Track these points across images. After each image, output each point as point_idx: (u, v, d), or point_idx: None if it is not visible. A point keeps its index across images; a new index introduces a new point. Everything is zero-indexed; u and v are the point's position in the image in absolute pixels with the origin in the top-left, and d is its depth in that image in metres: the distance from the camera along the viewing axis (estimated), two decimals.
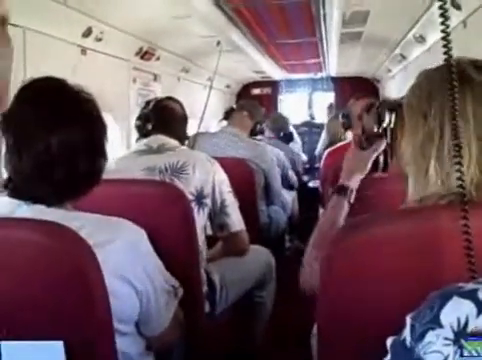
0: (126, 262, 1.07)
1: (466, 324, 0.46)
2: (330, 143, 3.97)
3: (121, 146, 3.17)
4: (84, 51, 2.53)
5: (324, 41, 4.12)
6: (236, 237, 1.93)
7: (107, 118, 2.93)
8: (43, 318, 0.92)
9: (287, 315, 2.55)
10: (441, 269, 0.81)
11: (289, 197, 3.65)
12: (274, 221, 3.07)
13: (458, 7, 2.16)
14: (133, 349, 1.16)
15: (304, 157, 5.10)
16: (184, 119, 2.07)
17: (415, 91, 0.96)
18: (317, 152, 4.86)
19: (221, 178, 1.86)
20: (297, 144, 4.95)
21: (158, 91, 3.65)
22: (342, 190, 1.22)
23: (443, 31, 0.72)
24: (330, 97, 6.73)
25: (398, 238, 0.85)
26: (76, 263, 0.93)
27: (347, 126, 2.75)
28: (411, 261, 0.84)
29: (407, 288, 0.79)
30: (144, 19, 2.80)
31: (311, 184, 4.58)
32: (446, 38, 0.72)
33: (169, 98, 2.11)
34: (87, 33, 2.44)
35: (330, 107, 6.06)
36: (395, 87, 4.94)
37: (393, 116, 1.01)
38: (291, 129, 4.94)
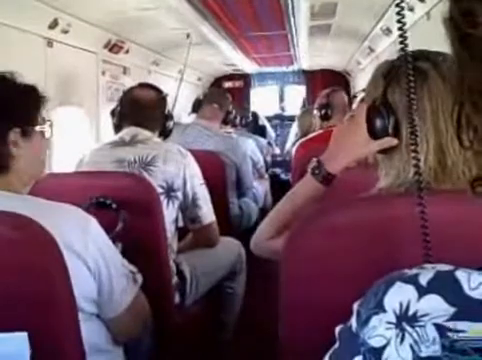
0: (74, 235, 1.07)
1: (408, 308, 0.47)
2: (302, 136, 3.98)
3: (91, 139, 3.13)
4: (50, 43, 2.48)
5: (294, 34, 4.13)
6: (207, 229, 1.93)
7: (77, 111, 2.93)
8: (6, 309, 0.92)
9: (257, 306, 2.57)
10: (399, 256, 0.83)
11: (261, 189, 3.67)
12: (245, 213, 3.08)
13: None
14: (100, 337, 1.17)
15: (277, 150, 5.13)
16: (153, 106, 1.95)
17: (371, 86, 0.98)
18: (288, 147, 4.86)
19: (193, 171, 1.85)
20: (271, 136, 4.98)
21: (128, 84, 3.61)
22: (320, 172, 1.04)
23: (399, 21, 0.73)
24: (302, 90, 6.77)
25: (357, 225, 0.86)
26: (39, 255, 0.92)
27: (328, 117, 2.77)
28: (370, 248, 0.85)
29: (365, 275, 0.81)
30: (112, 11, 2.76)
31: (283, 176, 4.60)
32: (402, 28, 0.73)
33: (140, 85, 2.03)
34: (53, 25, 2.40)
35: (304, 102, 6.10)
36: (365, 80, 4.98)
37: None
38: (264, 122, 4.96)
